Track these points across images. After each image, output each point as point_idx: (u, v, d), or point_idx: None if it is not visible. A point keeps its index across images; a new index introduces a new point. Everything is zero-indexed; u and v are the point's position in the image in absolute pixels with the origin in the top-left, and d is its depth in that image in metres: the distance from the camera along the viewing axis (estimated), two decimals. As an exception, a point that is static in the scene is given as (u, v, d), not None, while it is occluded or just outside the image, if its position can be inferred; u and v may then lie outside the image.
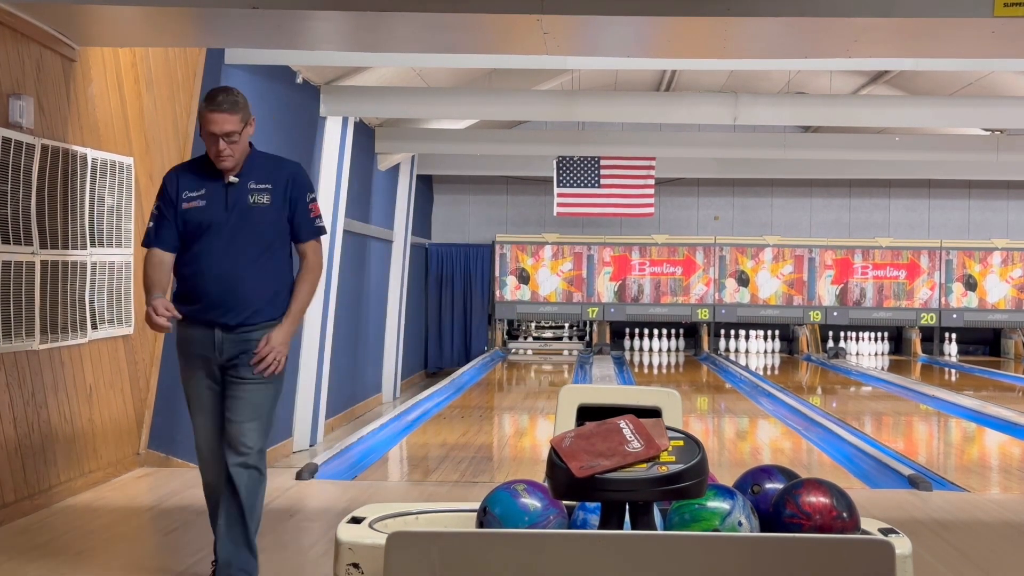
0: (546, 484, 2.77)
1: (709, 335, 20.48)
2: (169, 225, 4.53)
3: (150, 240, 4.58)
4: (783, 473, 3.18)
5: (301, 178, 4.59)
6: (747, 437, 11.51)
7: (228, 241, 4.46)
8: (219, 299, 4.46)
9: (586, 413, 3.49)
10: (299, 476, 7.40)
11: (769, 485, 3.13)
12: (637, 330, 20.77)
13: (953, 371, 18.84)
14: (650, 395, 3.64)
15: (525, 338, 21.02)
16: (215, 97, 4.44)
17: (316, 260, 4.61)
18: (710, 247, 20.40)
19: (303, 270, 4.59)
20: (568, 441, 2.63)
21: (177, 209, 4.50)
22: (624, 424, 2.70)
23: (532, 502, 2.89)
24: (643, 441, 2.66)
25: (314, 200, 4.60)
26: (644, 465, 2.59)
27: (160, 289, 4.54)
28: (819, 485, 3.03)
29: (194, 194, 4.49)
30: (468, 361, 18.80)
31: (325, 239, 11.79)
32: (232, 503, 4.49)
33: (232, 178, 4.48)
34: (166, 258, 4.55)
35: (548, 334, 21.11)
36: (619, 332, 20.76)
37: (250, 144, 4.55)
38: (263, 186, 4.49)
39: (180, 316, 4.51)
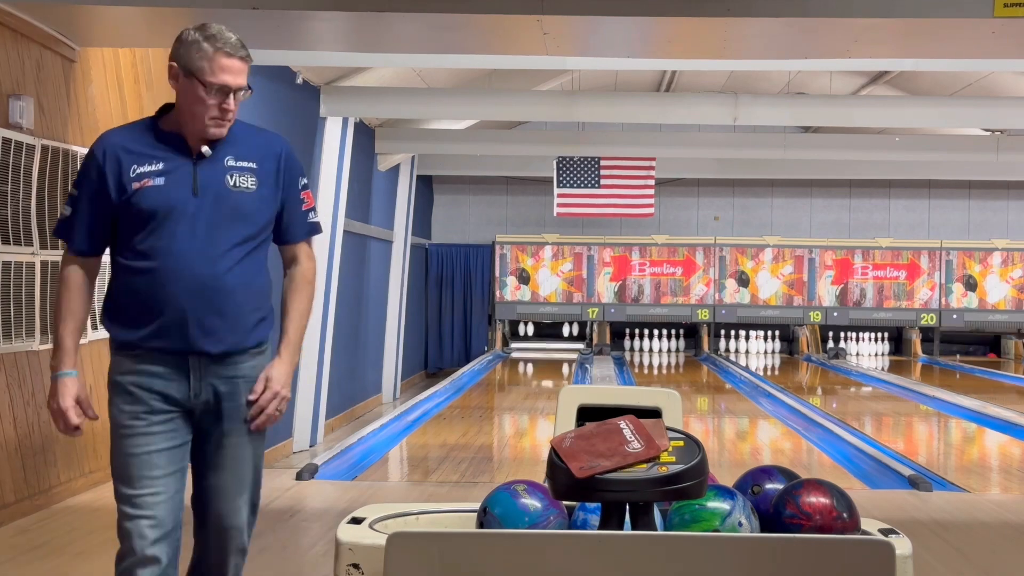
0: (546, 484, 2.77)
1: (709, 335, 20.48)
2: (96, 219, 3.20)
3: (71, 236, 3.22)
4: (783, 474, 3.18)
5: (293, 159, 3.35)
6: (747, 438, 11.51)
7: (202, 235, 3.16)
8: (194, 317, 3.14)
9: (586, 413, 3.49)
10: (299, 476, 7.40)
11: (769, 486, 3.12)
12: (637, 330, 20.78)
13: (953, 371, 18.84)
14: (650, 395, 3.64)
15: (525, 338, 21.02)
16: (227, 38, 3.29)
17: (311, 268, 3.41)
18: (710, 247, 20.40)
19: (298, 281, 3.38)
20: (568, 442, 2.63)
21: (122, 192, 3.15)
22: (624, 424, 2.70)
23: (532, 502, 2.89)
24: (643, 441, 2.66)
25: (307, 188, 3.38)
26: (644, 465, 2.59)
27: (76, 326, 3.23)
28: (819, 485, 3.03)
29: (149, 169, 3.16)
30: (468, 361, 18.80)
31: (324, 239, 11.88)
32: None
33: (205, 149, 3.20)
34: (88, 273, 3.26)
35: (548, 334, 21.10)
36: (619, 332, 20.76)
37: None
38: (246, 164, 3.24)
39: (97, 416, 3.26)
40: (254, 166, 3.25)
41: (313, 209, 3.41)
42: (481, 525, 2.88)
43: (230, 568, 3.29)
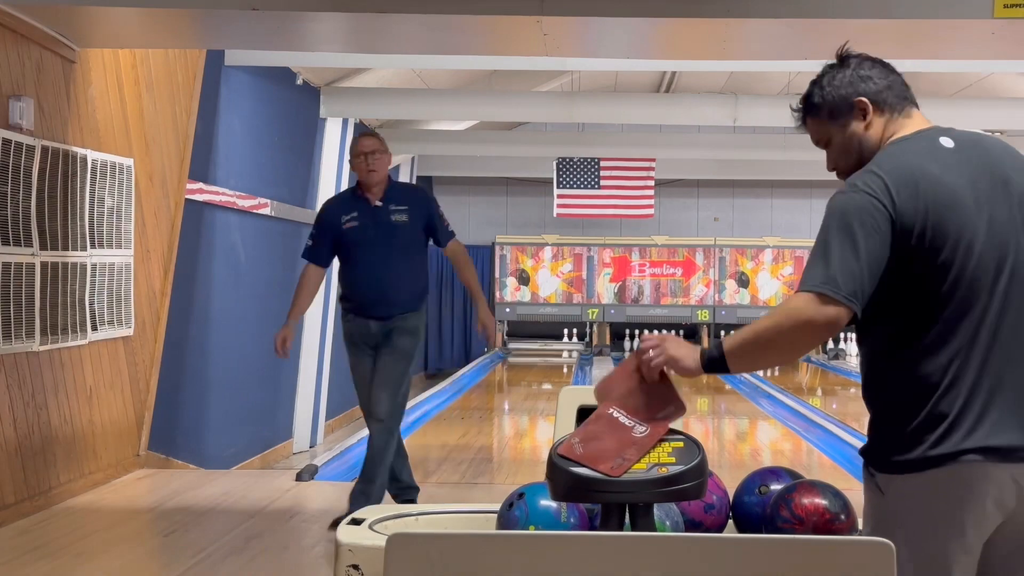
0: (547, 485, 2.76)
1: (709, 336, 20.47)
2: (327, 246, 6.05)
3: (313, 256, 6.03)
4: (790, 475, 3.18)
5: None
6: (747, 438, 11.51)
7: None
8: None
9: (586, 414, 3.48)
10: (299, 477, 7.40)
11: (775, 486, 3.12)
12: (637, 331, 20.77)
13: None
14: (650, 396, 3.62)
15: (525, 339, 20.99)
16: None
17: (463, 250, 6.09)
18: (710, 248, 20.40)
19: (461, 260, 6.04)
20: (579, 447, 2.62)
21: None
22: (615, 412, 2.69)
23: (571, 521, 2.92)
24: (644, 423, 2.65)
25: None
26: (644, 466, 2.59)
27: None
28: (812, 488, 3.02)
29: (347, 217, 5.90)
30: (468, 362, 18.80)
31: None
32: None
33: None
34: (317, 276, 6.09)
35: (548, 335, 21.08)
36: (619, 333, 20.75)
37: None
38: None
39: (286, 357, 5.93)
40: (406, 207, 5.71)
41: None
42: (510, 507, 2.87)
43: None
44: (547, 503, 2.86)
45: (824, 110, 2.59)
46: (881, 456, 2.39)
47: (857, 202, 2.34)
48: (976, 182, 2.38)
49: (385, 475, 5.66)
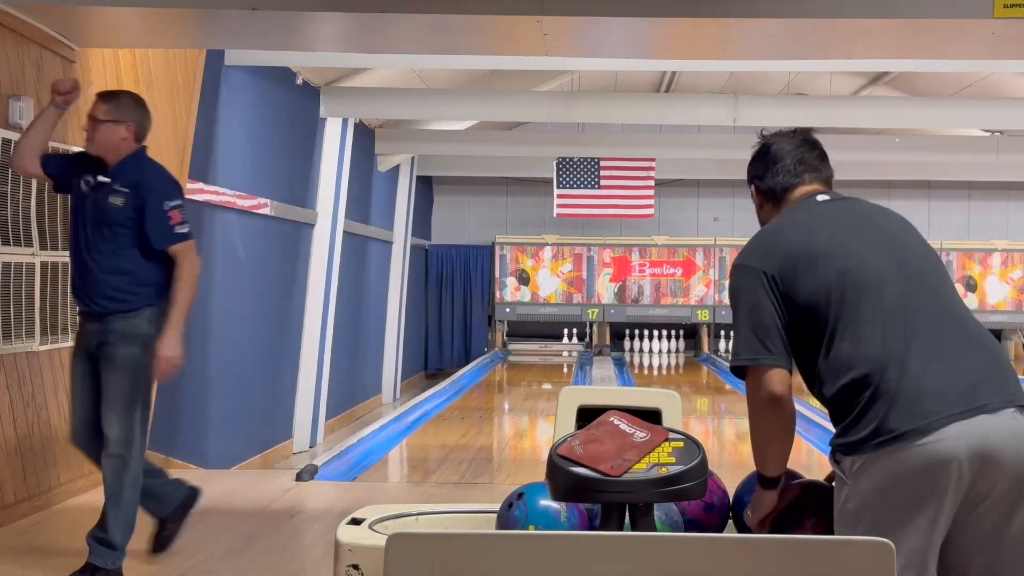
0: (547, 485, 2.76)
1: (709, 336, 20.47)
2: None
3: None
4: (790, 475, 3.18)
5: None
6: (747, 439, 11.47)
7: None
8: None
9: (586, 414, 3.48)
10: (299, 477, 7.41)
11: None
12: (637, 331, 20.77)
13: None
14: (650, 396, 3.64)
15: (525, 339, 20.99)
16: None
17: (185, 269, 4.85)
18: (710, 248, 20.39)
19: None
20: (580, 448, 2.62)
21: None
22: (616, 420, 2.71)
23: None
24: (644, 429, 2.66)
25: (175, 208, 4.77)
26: (644, 466, 2.59)
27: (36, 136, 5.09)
28: (811, 488, 3.03)
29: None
30: (468, 362, 18.80)
31: (324, 240, 11.89)
32: None
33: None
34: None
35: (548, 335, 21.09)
36: (619, 333, 20.75)
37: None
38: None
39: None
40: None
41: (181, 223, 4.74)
42: (510, 507, 2.87)
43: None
44: (547, 503, 2.86)
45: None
46: (837, 440, 2.74)
47: (744, 279, 2.77)
48: (846, 216, 2.82)
49: (127, 511, 4.87)
